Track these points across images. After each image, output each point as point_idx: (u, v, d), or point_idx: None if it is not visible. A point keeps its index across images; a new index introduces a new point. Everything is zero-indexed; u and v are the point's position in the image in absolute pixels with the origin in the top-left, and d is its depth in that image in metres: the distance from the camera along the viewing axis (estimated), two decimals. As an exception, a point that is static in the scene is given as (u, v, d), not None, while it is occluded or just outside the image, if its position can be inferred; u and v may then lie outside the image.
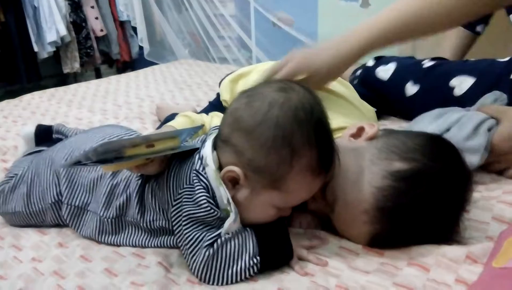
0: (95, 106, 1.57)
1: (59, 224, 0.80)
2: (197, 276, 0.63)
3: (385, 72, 1.21)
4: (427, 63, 1.16)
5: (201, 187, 0.62)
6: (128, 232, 0.73)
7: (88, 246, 0.75)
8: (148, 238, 0.72)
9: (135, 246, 0.73)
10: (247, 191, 0.62)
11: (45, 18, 2.93)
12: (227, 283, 0.61)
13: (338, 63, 0.84)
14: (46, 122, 1.12)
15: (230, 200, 0.61)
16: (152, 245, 0.72)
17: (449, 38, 1.37)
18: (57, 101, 1.66)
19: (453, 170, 0.62)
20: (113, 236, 0.74)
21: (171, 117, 1.03)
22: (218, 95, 1.15)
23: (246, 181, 0.61)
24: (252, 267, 0.61)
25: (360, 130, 0.71)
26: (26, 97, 1.71)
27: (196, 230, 0.62)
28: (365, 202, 0.61)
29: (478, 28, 1.33)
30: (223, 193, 0.61)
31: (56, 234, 0.79)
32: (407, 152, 0.62)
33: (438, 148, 0.65)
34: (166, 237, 0.71)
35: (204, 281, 0.62)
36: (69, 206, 0.76)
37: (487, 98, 0.90)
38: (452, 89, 1.04)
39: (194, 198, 0.62)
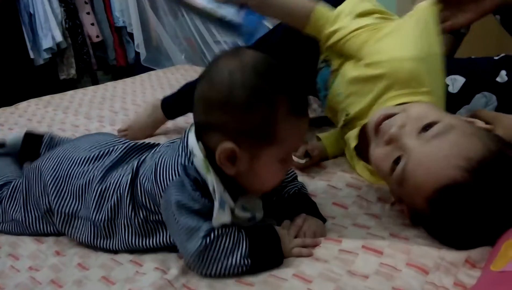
0: (92, 113, 1.57)
1: (56, 233, 0.80)
2: (189, 265, 0.65)
3: None
4: None
5: (191, 181, 0.64)
6: (122, 235, 0.73)
7: (85, 254, 0.74)
8: (143, 239, 0.72)
9: (131, 249, 0.72)
10: (247, 160, 0.63)
11: (41, 24, 2.92)
12: (217, 276, 0.64)
13: None
14: (43, 129, 1.11)
15: (216, 188, 0.63)
16: (148, 245, 0.71)
17: None
18: (53, 108, 1.65)
19: None
20: (108, 240, 0.74)
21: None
22: None
23: (242, 151, 0.62)
24: (242, 266, 0.63)
25: (472, 121, 0.73)
26: (22, 105, 1.71)
27: (191, 220, 0.63)
28: (473, 151, 0.61)
29: (462, 30, 1.34)
30: (209, 181, 0.63)
31: (53, 243, 0.78)
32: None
33: None
34: (161, 235, 0.71)
35: (195, 270, 0.64)
36: (59, 214, 0.77)
37: (479, 100, 0.92)
38: (447, 86, 1.05)
39: (187, 192, 0.63)
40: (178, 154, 0.66)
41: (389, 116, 0.73)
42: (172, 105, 1.26)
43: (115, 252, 0.74)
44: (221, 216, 0.63)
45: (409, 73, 0.77)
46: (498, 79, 0.99)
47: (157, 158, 0.70)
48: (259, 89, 0.60)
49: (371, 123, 0.76)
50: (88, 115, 1.55)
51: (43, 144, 0.99)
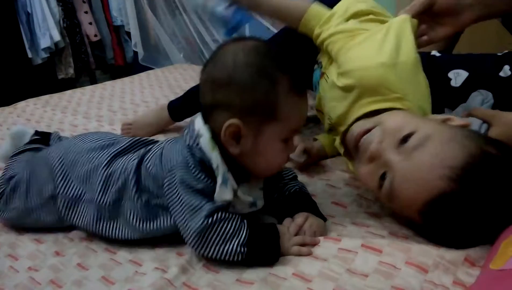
0: (90, 112, 1.57)
1: (55, 221, 0.80)
2: (189, 242, 0.66)
3: None
4: (433, 53, 1.16)
5: (196, 161, 0.66)
6: (125, 218, 0.73)
7: (84, 254, 0.74)
8: (145, 223, 0.72)
9: (132, 235, 0.73)
10: (251, 137, 0.65)
11: (39, 24, 2.92)
12: (214, 257, 0.65)
13: None
14: (41, 129, 1.12)
15: (219, 164, 0.66)
16: (150, 229, 0.72)
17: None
18: (52, 107, 1.65)
19: None
20: (111, 223, 0.75)
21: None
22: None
23: (246, 127, 0.64)
24: (238, 253, 0.64)
25: (449, 119, 0.73)
26: (21, 104, 1.71)
27: (195, 198, 0.66)
28: (455, 159, 0.61)
29: None
30: (214, 158, 0.66)
31: (52, 243, 0.78)
32: (495, 143, 0.64)
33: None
34: (162, 220, 0.71)
35: (194, 248, 0.66)
36: (63, 198, 0.78)
37: (476, 98, 0.92)
38: (449, 80, 1.05)
39: (191, 171, 0.66)
40: (184, 139, 0.70)
41: (366, 132, 0.73)
42: (178, 108, 1.31)
43: (115, 240, 0.75)
44: (223, 192, 0.66)
45: (377, 80, 0.77)
46: (501, 73, 1.00)
47: (163, 146, 0.74)
48: (260, 66, 0.64)
49: (350, 141, 0.77)
50: (86, 114, 1.54)
51: (51, 140, 1.00)
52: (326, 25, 0.89)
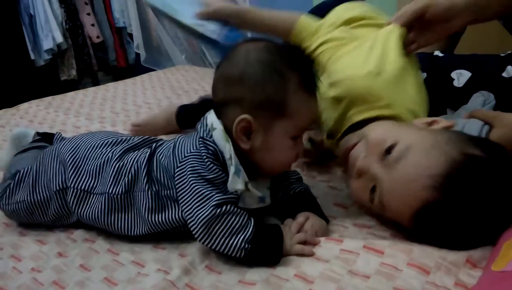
0: (93, 114, 1.57)
1: (61, 214, 0.81)
2: (195, 231, 0.65)
3: None
4: (436, 54, 1.17)
5: (209, 152, 0.68)
6: (135, 209, 0.75)
7: (87, 255, 0.75)
8: (154, 214, 0.72)
9: (141, 227, 0.74)
10: (261, 132, 0.67)
11: (41, 25, 2.93)
12: (217, 250, 0.65)
13: None
14: (44, 130, 1.12)
15: (232, 155, 0.67)
16: (160, 221, 0.72)
17: None
18: (54, 109, 1.66)
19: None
20: (122, 214, 0.75)
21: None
22: None
23: (257, 123, 0.66)
24: (242, 249, 0.64)
25: (434, 121, 0.74)
26: (24, 106, 1.71)
27: (205, 188, 0.66)
28: (436, 168, 0.62)
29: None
30: (227, 150, 0.67)
31: (55, 244, 0.79)
32: (481, 143, 0.64)
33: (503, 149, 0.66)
34: (172, 212, 0.72)
35: (199, 238, 0.66)
36: (75, 190, 0.78)
37: (477, 100, 0.92)
38: (452, 80, 1.05)
39: (204, 162, 0.68)
40: (197, 132, 0.72)
41: (352, 147, 0.75)
42: (186, 117, 1.30)
43: (117, 241, 0.75)
44: (235, 182, 0.67)
45: (364, 89, 0.78)
46: (504, 74, 1.00)
47: (176, 139, 0.76)
48: (272, 63, 0.66)
49: (340, 156, 0.80)
50: (89, 116, 1.55)
51: (54, 141, 0.99)
52: (315, 36, 0.90)
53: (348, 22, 0.90)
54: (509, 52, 1.07)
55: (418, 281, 0.57)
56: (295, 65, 0.67)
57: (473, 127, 0.82)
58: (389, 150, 0.67)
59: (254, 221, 0.67)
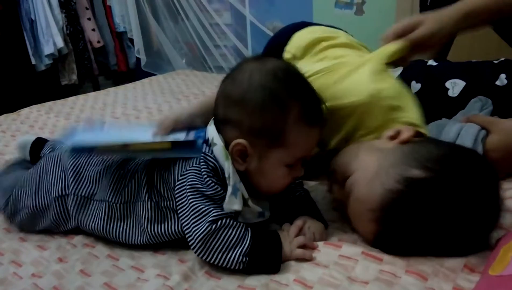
0: (93, 119, 1.57)
1: (57, 225, 0.81)
2: (193, 246, 0.66)
3: (394, 71, 1.23)
4: (430, 63, 1.17)
5: (208, 168, 0.68)
6: (135, 218, 0.75)
7: (87, 260, 0.75)
8: (154, 225, 0.73)
9: (140, 237, 0.74)
10: (256, 158, 0.67)
11: (42, 30, 2.94)
12: (215, 264, 0.65)
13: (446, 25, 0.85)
14: (45, 135, 1.12)
15: (231, 174, 0.66)
16: (159, 232, 0.72)
17: None
18: (55, 114, 1.66)
19: (472, 185, 0.61)
20: (122, 223, 0.75)
21: None
22: None
23: (253, 149, 0.66)
24: (240, 263, 0.64)
25: (398, 133, 0.72)
26: (24, 111, 1.72)
27: (203, 203, 0.66)
28: (373, 202, 0.63)
29: None
30: (226, 168, 0.66)
31: (55, 249, 0.79)
32: (429, 161, 0.62)
33: (464, 160, 0.64)
34: (171, 223, 0.72)
35: (197, 253, 0.66)
36: (75, 197, 0.79)
37: (475, 105, 0.93)
38: (447, 90, 1.06)
39: (202, 178, 0.67)
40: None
41: (332, 177, 0.78)
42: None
43: (117, 246, 0.76)
44: (232, 202, 0.66)
45: (366, 114, 0.79)
46: (497, 82, 1.00)
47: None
48: (274, 91, 0.64)
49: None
50: (90, 121, 1.55)
51: (46, 147, 1.00)
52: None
53: (307, 47, 0.93)
54: (502, 59, 1.07)
55: (416, 288, 0.57)
56: (298, 95, 0.66)
57: (470, 132, 0.83)
58: (343, 182, 0.70)
59: (252, 230, 0.67)
